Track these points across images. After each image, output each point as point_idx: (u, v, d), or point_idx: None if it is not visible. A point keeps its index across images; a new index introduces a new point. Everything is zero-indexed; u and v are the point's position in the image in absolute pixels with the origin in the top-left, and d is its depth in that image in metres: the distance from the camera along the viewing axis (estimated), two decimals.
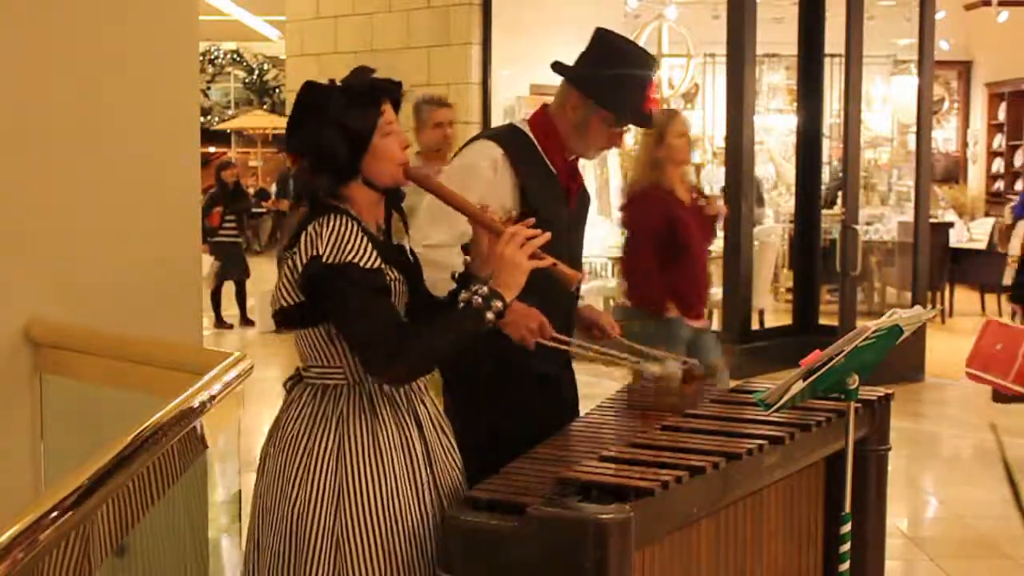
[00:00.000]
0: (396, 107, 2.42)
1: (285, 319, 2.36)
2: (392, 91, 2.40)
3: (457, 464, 2.49)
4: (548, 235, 2.39)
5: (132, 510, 2.27)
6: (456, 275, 2.48)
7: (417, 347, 2.28)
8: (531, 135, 3.00)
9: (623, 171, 10.59)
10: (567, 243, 3.02)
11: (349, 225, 2.28)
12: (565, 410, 3.05)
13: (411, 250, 2.52)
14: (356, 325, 2.27)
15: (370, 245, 2.29)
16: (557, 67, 3.01)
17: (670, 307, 4.49)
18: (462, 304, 2.31)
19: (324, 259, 2.24)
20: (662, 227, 4.51)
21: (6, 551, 1.73)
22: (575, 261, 3.08)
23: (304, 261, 2.27)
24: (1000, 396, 5.23)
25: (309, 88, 2.38)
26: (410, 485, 2.35)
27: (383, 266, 2.30)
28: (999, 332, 4.69)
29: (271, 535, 2.36)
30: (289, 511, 2.33)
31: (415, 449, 2.38)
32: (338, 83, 2.39)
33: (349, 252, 2.25)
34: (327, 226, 2.27)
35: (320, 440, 2.33)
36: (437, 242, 2.78)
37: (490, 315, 2.28)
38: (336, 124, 2.30)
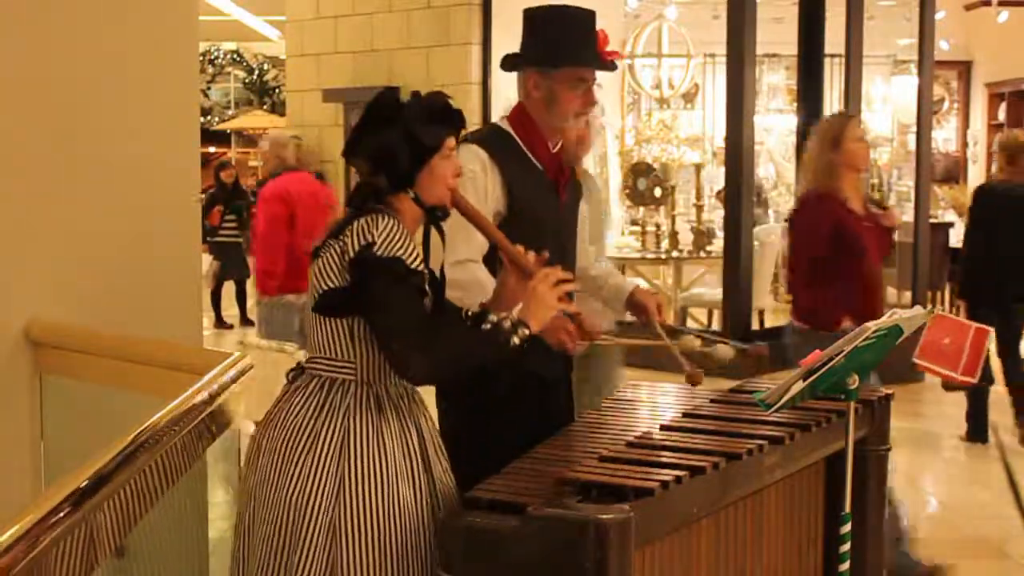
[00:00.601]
0: (456, 137, 2.51)
1: (328, 303, 2.40)
2: (461, 121, 2.50)
3: (453, 483, 2.51)
4: (577, 285, 2.49)
5: (139, 506, 2.28)
6: (468, 312, 2.51)
7: (445, 347, 2.34)
8: (512, 133, 3.00)
9: (623, 171, 10.60)
10: (559, 235, 3.02)
11: (401, 228, 2.37)
12: (562, 416, 3.04)
13: (441, 273, 2.57)
14: (393, 314, 2.33)
15: (415, 249, 2.38)
16: (506, 63, 3.04)
17: (844, 321, 4.12)
18: (490, 325, 2.38)
19: (376, 248, 2.31)
20: (832, 238, 4.20)
21: (6, 551, 1.74)
22: (569, 252, 3.09)
23: (356, 247, 2.33)
24: (949, 385, 5.21)
25: (385, 95, 2.46)
26: (409, 485, 2.37)
27: (424, 270, 2.39)
28: (946, 326, 4.68)
29: (263, 520, 2.37)
30: (288, 495, 2.34)
31: (415, 454, 2.41)
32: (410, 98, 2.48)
33: (398, 248, 2.32)
34: (380, 221, 2.35)
35: (325, 428, 2.36)
36: (464, 257, 2.79)
37: (515, 339, 2.37)
38: (407, 132, 2.39)
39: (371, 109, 2.44)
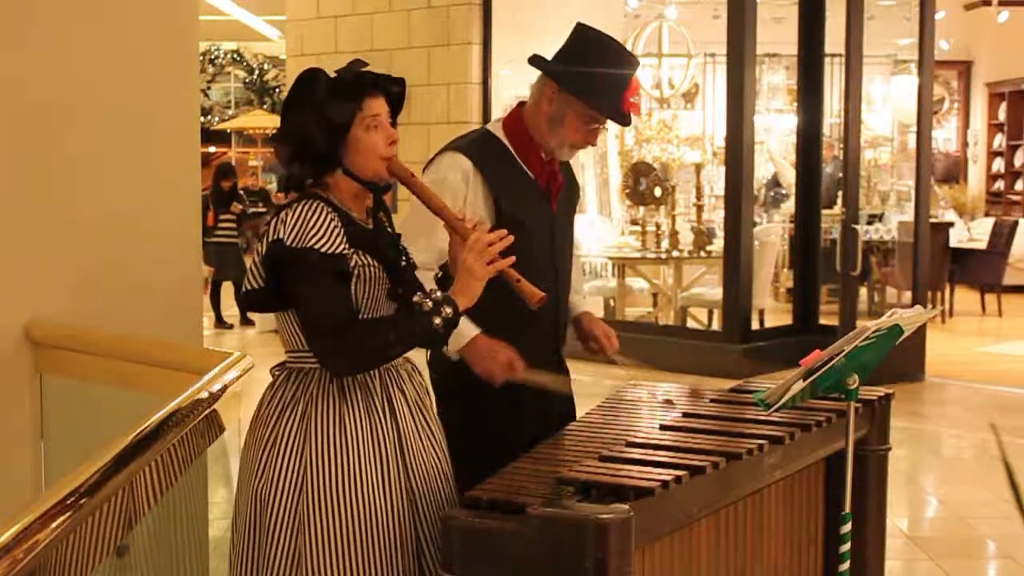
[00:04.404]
0: (394, 102, 2.44)
1: (251, 301, 2.40)
2: (383, 86, 2.41)
3: (435, 444, 2.49)
4: (511, 239, 2.37)
5: (139, 506, 2.28)
6: (438, 275, 2.49)
7: (360, 340, 2.30)
8: (504, 139, 2.93)
9: (623, 171, 10.60)
10: (551, 246, 2.98)
11: (318, 211, 2.31)
12: (561, 408, 3.05)
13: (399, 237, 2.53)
14: (306, 309, 2.31)
15: (337, 231, 2.31)
16: (535, 60, 2.94)
17: None
18: (415, 305, 2.33)
19: (285, 242, 2.28)
20: None
21: (6, 551, 1.73)
22: (563, 263, 3.05)
23: (269, 242, 2.32)
24: None
25: (301, 76, 2.40)
26: (378, 472, 2.35)
27: (350, 252, 2.32)
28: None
29: (237, 513, 2.40)
30: (255, 491, 2.36)
31: (385, 438, 2.38)
32: (332, 74, 2.40)
33: (311, 238, 2.28)
34: (294, 212, 2.31)
35: (288, 420, 2.35)
36: (419, 262, 2.77)
37: (437, 320, 2.30)
38: (316, 113, 2.33)
39: (288, 94, 2.40)
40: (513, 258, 2.42)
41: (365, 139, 2.36)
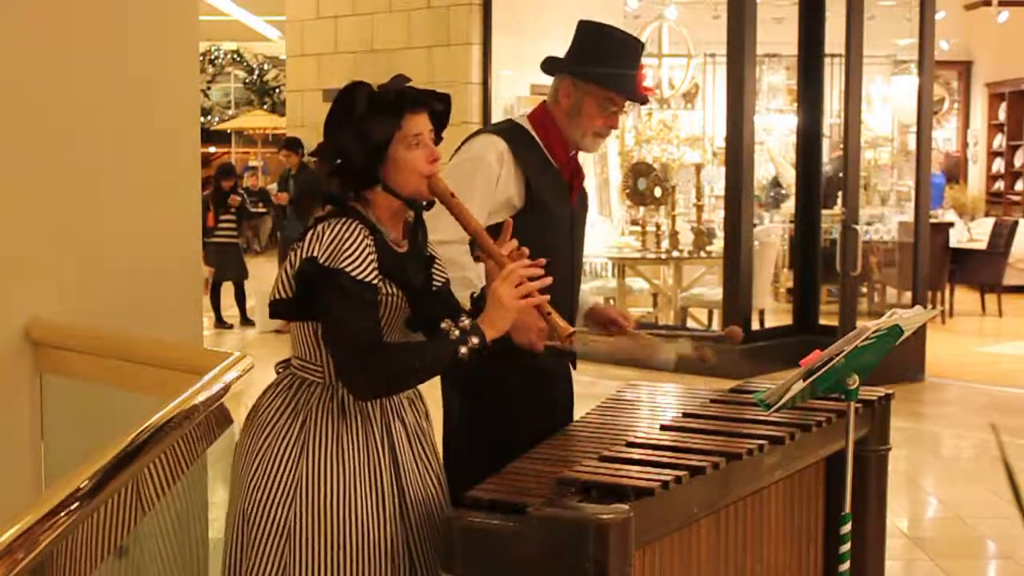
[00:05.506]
0: (438, 118, 2.40)
1: (277, 310, 2.38)
2: (426, 102, 2.37)
3: (432, 472, 2.47)
4: (549, 280, 2.36)
5: (139, 506, 2.28)
6: (474, 295, 2.48)
7: (384, 366, 2.28)
8: (531, 131, 2.99)
9: (623, 171, 10.60)
10: (570, 239, 3.03)
11: (354, 231, 2.29)
12: (565, 411, 3.05)
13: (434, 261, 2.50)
14: (332, 331, 2.29)
15: (370, 256, 2.29)
16: (547, 64, 3.02)
17: None
18: (441, 332, 2.30)
19: (319, 261, 2.26)
20: None
21: (6, 551, 1.74)
22: (577, 259, 3.09)
23: (302, 258, 2.29)
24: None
25: (343, 90, 2.37)
26: (372, 497, 2.33)
27: (377, 280, 2.30)
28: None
29: (233, 515, 2.39)
30: (248, 490, 2.35)
31: (381, 466, 2.36)
32: (375, 87, 2.37)
33: (345, 259, 2.26)
34: (331, 229, 2.29)
35: (287, 429, 2.34)
36: (446, 238, 2.76)
37: (463, 350, 2.27)
38: (355, 130, 2.31)
39: (330, 109, 2.37)
40: (548, 293, 2.40)
41: (405, 157, 2.33)
